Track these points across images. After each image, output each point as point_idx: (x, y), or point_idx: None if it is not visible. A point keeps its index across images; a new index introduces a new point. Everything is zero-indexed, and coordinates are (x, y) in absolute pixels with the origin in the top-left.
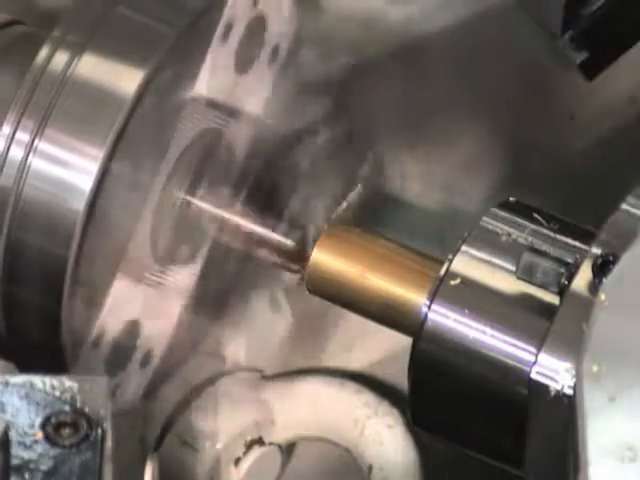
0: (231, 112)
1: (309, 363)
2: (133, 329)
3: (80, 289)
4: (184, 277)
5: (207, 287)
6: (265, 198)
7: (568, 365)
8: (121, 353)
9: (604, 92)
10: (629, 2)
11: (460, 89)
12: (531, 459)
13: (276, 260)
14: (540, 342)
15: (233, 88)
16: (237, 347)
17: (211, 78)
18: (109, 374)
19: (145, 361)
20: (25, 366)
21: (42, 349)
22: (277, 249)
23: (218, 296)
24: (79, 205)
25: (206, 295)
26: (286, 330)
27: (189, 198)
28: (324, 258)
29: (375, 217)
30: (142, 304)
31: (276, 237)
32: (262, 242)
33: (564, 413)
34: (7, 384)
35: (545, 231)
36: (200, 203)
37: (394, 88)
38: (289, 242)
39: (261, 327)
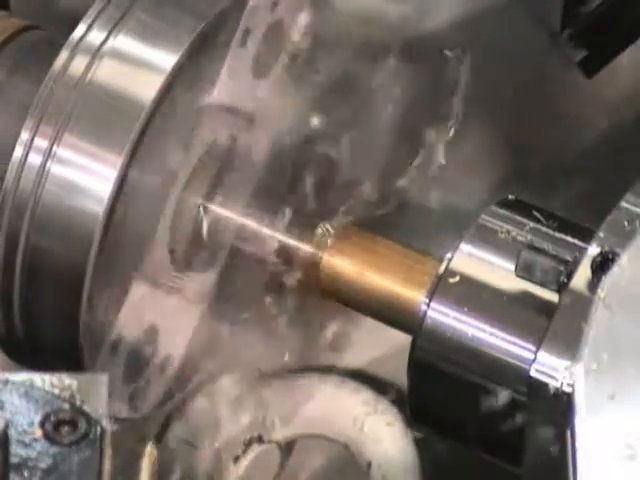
0: (249, 118)
1: (308, 361)
2: (151, 334)
3: (98, 294)
4: (202, 282)
5: (225, 292)
6: (283, 203)
7: (567, 363)
8: (139, 358)
9: (603, 90)
10: (628, 0)
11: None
12: (530, 456)
13: (294, 265)
14: (539, 340)
15: (251, 93)
16: (255, 349)
17: (229, 83)
18: (128, 379)
19: (163, 367)
20: (42, 371)
21: (60, 354)
22: (298, 257)
23: (236, 301)
24: (98, 211)
25: (224, 300)
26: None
27: (207, 204)
28: (324, 257)
29: (374, 216)
30: (160, 309)
31: (294, 242)
32: (280, 247)
33: (563, 411)
34: (6, 382)
35: (544, 229)
36: (218, 209)
37: (393, 86)
38: (307, 247)
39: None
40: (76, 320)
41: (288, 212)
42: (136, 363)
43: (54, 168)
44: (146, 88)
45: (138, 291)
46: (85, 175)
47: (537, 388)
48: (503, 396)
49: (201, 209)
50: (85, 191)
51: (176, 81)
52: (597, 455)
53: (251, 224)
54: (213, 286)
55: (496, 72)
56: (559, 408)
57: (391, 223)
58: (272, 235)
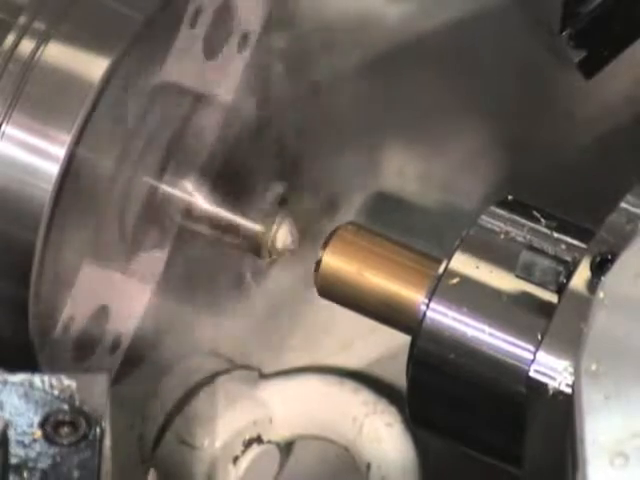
0: (199, 98)
1: (307, 361)
2: (102, 314)
3: (48, 275)
4: (152, 262)
5: (175, 272)
6: (233, 183)
7: (566, 363)
8: (90, 338)
9: (602, 91)
10: (627, 1)
11: (459, 88)
12: (530, 457)
13: (244, 245)
14: (538, 340)
15: (202, 74)
16: (205, 330)
17: (179, 64)
18: (78, 359)
19: (114, 346)
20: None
21: (10, 338)
22: (245, 234)
23: (187, 281)
24: (46, 190)
25: (174, 280)
26: (253, 315)
27: (157, 183)
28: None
29: (374, 216)
30: (111, 289)
31: (244, 222)
32: (230, 227)
33: (562, 411)
34: (6, 383)
35: (543, 229)
36: (168, 188)
37: (392, 87)
38: (257, 227)
39: (229, 312)
40: (26, 302)
41: (241, 191)
42: (86, 343)
43: (3, 147)
44: (95, 68)
45: (89, 271)
46: (34, 154)
47: (536, 389)
48: (502, 397)
49: (151, 188)
50: (34, 170)
51: (125, 61)
52: (595, 457)
53: (202, 203)
54: (164, 265)
55: (495, 72)
56: (558, 409)
57: (390, 222)
58: (223, 215)
